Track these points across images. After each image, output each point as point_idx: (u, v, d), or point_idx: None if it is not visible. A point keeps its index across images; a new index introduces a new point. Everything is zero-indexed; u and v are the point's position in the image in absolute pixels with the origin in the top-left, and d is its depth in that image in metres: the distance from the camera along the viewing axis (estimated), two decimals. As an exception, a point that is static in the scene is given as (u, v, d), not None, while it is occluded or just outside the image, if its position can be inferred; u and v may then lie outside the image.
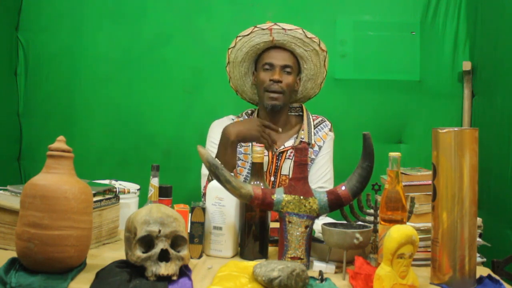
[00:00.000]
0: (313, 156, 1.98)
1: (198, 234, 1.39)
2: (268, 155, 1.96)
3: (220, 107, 2.42)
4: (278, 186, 1.95)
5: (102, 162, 2.68)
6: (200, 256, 1.39)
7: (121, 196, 1.64)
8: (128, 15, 2.71)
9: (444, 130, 1.21)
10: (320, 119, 2.06)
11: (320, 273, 1.22)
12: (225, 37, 1.98)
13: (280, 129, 1.88)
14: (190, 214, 1.41)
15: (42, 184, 1.16)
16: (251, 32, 1.90)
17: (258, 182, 1.41)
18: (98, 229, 1.49)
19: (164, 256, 1.17)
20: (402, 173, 1.39)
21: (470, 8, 2.57)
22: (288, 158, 1.96)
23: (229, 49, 1.97)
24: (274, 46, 1.93)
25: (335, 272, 1.31)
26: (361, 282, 1.19)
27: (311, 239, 1.35)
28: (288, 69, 1.92)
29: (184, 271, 1.20)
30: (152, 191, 1.48)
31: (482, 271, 1.32)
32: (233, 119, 2.03)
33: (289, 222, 1.31)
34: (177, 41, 2.69)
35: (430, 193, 1.26)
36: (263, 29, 1.88)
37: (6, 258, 1.20)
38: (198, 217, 1.40)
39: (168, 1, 2.71)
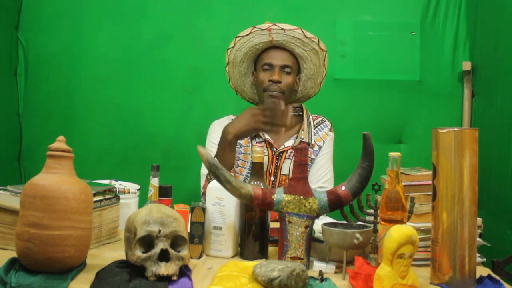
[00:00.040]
0: (313, 156, 1.98)
1: (198, 234, 1.39)
2: (268, 155, 1.96)
3: (220, 107, 2.43)
4: (278, 186, 1.95)
5: (102, 162, 2.68)
6: (200, 256, 1.39)
7: (121, 196, 1.64)
8: (128, 15, 2.71)
9: (444, 130, 1.21)
10: (320, 119, 2.06)
11: (320, 273, 1.22)
12: (225, 37, 1.98)
13: (282, 102, 1.82)
14: (190, 214, 1.41)
15: (42, 184, 1.16)
16: (250, 33, 1.90)
17: (258, 182, 1.41)
18: (98, 229, 1.49)
19: (164, 256, 1.17)
20: (402, 173, 1.39)
21: (470, 8, 2.57)
22: (288, 158, 1.96)
23: (228, 49, 1.97)
24: (273, 46, 1.93)
25: (335, 272, 1.31)
26: (361, 282, 1.19)
27: (311, 239, 1.35)
28: (287, 69, 1.92)
29: (184, 271, 1.20)
30: (152, 191, 1.48)
31: (482, 271, 1.32)
32: (233, 119, 2.03)
33: (289, 222, 1.31)
34: (177, 41, 2.69)
35: (430, 193, 1.26)
36: (262, 29, 1.88)
37: (6, 258, 1.20)
38: (198, 217, 1.40)
39: (168, 1, 2.71)
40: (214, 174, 1.31)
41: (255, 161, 1.43)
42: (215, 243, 1.41)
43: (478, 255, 1.35)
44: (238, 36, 1.93)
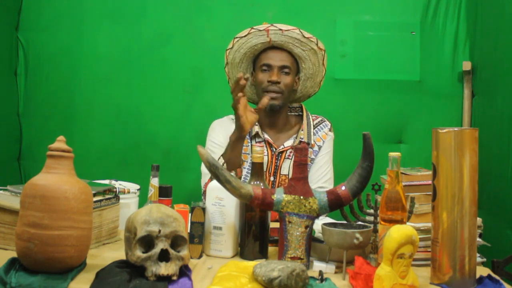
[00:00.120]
0: (312, 156, 1.98)
1: (198, 234, 1.39)
2: (268, 155, 1.96)
3: (220, 107, 2.41)
4: (278, 186, 1.95)
5: (102, 162, 2.68)
6: (200, 256, 1.39)
7: (121, 196, 1.64)
8: (128, 15, 2.71)
9: (444, 130, 1.21)
10: (319, 119, 2.06)
11: (320, 273, 1.22)
12: (225, 37, 1.98)
13: (246, 74, 1.72)
14: (190, 214, 1.41)
15: (42, 184, 1.16)
16: (248, 34, 1.90)
17: (258, 182, 1.41)
18: (98, 229, 1.49)
19: (164, 256, 1.17)
20: (402, 173, 1.39)
21: (470, 8, 2.57)
22: (288, 158, 1.96)
23: (226, 50, 1.97)
24: (271, 47, 1.93)
25: (335, 272, 1.31)
26: (361, 282, 1.19)
27: (311, 239, 1.35)
28: (286, 70, 1.92)
29: (184, 271, 1.20)
30: (152, 191, 1.48)
31: (482, 271, 1.32)
32: (233, 119, 2.03)
33: (289, 222, 1.31)
34: (177, 41, 2.70)
35: (430, 193, 1.26)
36: (260, 30, 1.88)
37: (6, 258, 1.20)
38: (198, 217, 1.40)
39: (168, 1, 2.71)
40: (214, 174, 1.31)
41: (255, 161, 1.43)
42: (215, 243, 1.41)
43: (478, 255, 1.35)
44: (236, 37, 1.93)
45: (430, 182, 1.27)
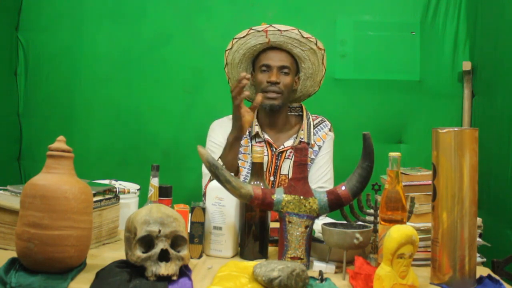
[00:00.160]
0: (312, 156, 1.98)
1: (198, 234, 1.39)
2: (268, 155, 1.96)
3: (220, 107, 2.42)
4: (278, 186, 1.95)
5: (102, 162, 2.68)
6: (200, 256, 1.39)
7: (121, 196, 1.64)
8: (128, 15, 2.71)
9: (444, 130, 1.21)
10: (319, 119, 2.06)
11: (320, 273, 1.22)
12: (225, 37, 1.98)
13: (247, 75, 1.70)
14: (190, 214, 1.41)
15: (42, 184, 1.16)
16: (246, 34, 1.90)
17: (258, 182, 1.41)
18: (98, 229, 1.49)
19: (164, 256, 1.17)
20: (402, 173, 1.39)
21: (470, 8, 2.57)
22: (288, 158, 1.96)
23: (226, 50, 1.97)
24: (271, 47, 1.93)
25: (335, 272, 1.31)
26: (361, 282, 1.19)
27: (311, 239, 1.35)
28: (285, 70, 1.92)
29: (184, 271, 1.20)
30: (152, 191, 1.48)
31: (482, 271, 1.32)
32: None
33: (289, 222, 1.31)
34: (177, 41, 2.69)
35: (430, 193, 1.26)
36: (259, 31, 1.88)
37: (6, 258, 1.20)
38: (198, 217, 1.40)
39: (168, 1, 2.71)
40: (214, 174, 1.31)
41: (255, 161, 1.43)
42: (215, 243, 1.41)
43: (478, 255, 1.35)
44: (235, 38, 1.93)
45: (430, 182, 1.27)
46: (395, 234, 1.13)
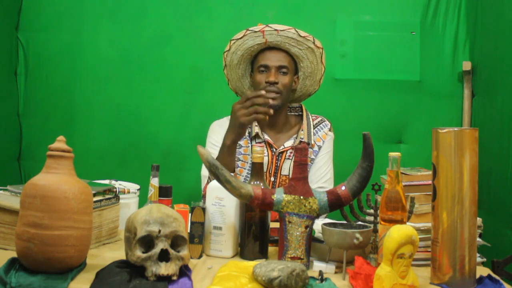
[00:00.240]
0: (312, 156, 1.98)
1: (198, 234, 1.39)
2: (268, 156, 1.96)
3: (220, 108, 2.41)
4: (278, 186, 1.95)
5: (102, 162, 2.68)
6: (200, 256, 1.39)
7: (121, 196, 1.64)
8: (128, 15, 2.72)
9: (444, 130, 1.21)
10: (319, 119, 2.06)
11: (320, 273, 1.22)
12: (225, 37, 1.98)
13: (263, 92, 1.76)
14: (190, 214, 1.41)
15: (42, 184, 1.16)
16: (244, 35, 1.90)
17: (258, 182, 1.41)
18: (98, 229, 1.49)
19: (164, 256, 1.17)
20: (402, 173, 1.39)
21: (470, 8, 2.57)
22: (288, 159, 1.96)
23: (224, 52, 1.97)
24: (268, 47, 1.92)
25: (335, 272, 1.31)
26: (361, 282, 1.19)
27: (311, 239, 1.35)
28: (284, 70, 1.92)
29: (184, 271, 1.20)
30: (152, 191, 1.48)
31: (482, 271, 1.32)
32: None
33: (289, 222, 1.31)
34: (177, 41, 2.70)
35: (430, 193, 1.26)
36: (256, 31, 1.88)
37: (6, 258, 1.20)
38: (198, 217, 1.40)
39: (168, 1, 2.71)
40: (214, 174, 1.31)
41: (255, 161, 1.43)
42: (215, 243, 1.41)
43: (478, 255, 1.35)
44: (233, 39, 1.93)
45: (430, 182, 1.27)
46: (395, 234, 1.13)
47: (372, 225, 1.37)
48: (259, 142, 1.97)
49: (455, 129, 1.21)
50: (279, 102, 1.91)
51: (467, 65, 2.52)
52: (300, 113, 2.06)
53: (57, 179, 1.18)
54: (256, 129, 1.97)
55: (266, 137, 1.98)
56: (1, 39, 2.61)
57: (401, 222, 1.25)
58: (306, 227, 1.31)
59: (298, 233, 1.31)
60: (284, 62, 1.92)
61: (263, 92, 1.75)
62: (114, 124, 2.71)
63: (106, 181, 1.74)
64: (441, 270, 1.21)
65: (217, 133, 2.00)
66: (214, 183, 1.39)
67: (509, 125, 2.05)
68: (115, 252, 1.41)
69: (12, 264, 1.19)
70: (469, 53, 2.58)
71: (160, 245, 1.16)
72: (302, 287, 1.14)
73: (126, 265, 1.21)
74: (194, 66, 2.69)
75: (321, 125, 2.04)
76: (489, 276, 1.25)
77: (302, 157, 1.35)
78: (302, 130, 1.99)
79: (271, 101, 1.79)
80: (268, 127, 2.00)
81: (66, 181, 1.18)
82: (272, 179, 1.96)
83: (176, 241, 1.19)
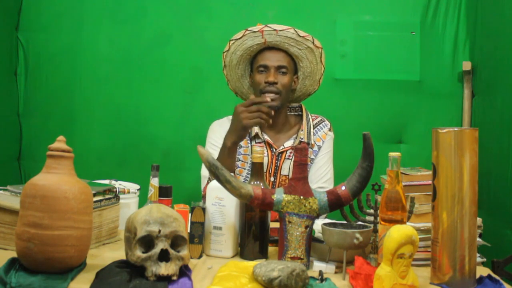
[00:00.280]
0: (312, 156, 1.98)
1: (198, 234, 1.39)
2: (268, 156, 1.96)
3: (220, 108, 2.41)
4: (278, 187, 1.95)
5: (102, 162, 2.68)
6: (200, 256, 1.39)
7: (121, 196, 1.64)
8: (128, 15, 2.71)
9: (444, 130, 1.21)
10: (319, 119, 2.05)
11: (320, 273, 1.22)
12: (225, 37, 1.98)
13: (269, 99, 1.82)
14: (190, 214, 1.41)
15: (42, 184, 1.16)
16: (243, 35, 1.90)
17: (258, 182, 1.41)
18: (98, 229, 1.49)
19: (164, 256, 1.17)
20: (402, 173, 1.39)
21: (470, 8, 2.57)
22: (288, 159, 1.96)
23: (223, 52, 1.97)
24: (268, 47, 1.92)
25: (335, 272, 1.31)
26: (361, 282, 1.19)
27: (311, 239, 1.35)
28: (283, 70, 1.91)
29: (184, 271, 1.20)
30: (152, 191, 1.48)
31: (482, 271, 1.32)
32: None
33: (289, 222, 1.31)
34: (177, 41, 2.69)
35: (430, 193, 1.26)
36: (255, 31, 1.88)
37: (6, 258, 1.20)
38: (198, 217, 1.40)
39: (168, 1, 2.71)
40: (214, 174, 1.31)
41: (255, 161, 1.43)
42: (215, 243, 1.41)
43: (478, 255, 1.35)
44: (232, 39, 1.93)
45: (430, 182, 1.27)
46: (395, 234, 1.13)
47: (372, 225, 1.37)
48: (259, 142, 1.97)
49: (455, 129, 1.21)
50: (279, 103, 1.91)
51: (467, 65, 2.52)
52: (300, 113, 2.06)
53: (57, 179, 1.18)
54: (255, 129, 1.97)
55: (266, 137, 1.98)
56: (1, 39, 2.61)
57: (401, 222, 1.25)
58: (306, 227, 1.31)
59: (298, 233, 1.31)
60: (284, 62, 1.92)
61: (268, 99, 1.80)
62: (114, 124, 2.71)
63: (106, 181, 1.74)
64: (441, 270, 1.21)
65: (217, 133, 2.00)
66: (214, 183, 1.39)
67: (509, 125, 2.05)
68: (115, 252, 1.41)
69: (12, 264, 1.19)
70: (469, 53, 2.58)
71: (160, 245, 1.16)
72: (302, 287, 1.14)
73: (126, 265, 1.21)
74: (194, 66, 2.69)
75: (320, 125, 2.03)
76: (489, 276, 1.25)
77: (302, 157, 1.35)
78: (302, 130, 1.99)
79: (268, 99, 1.82)
80: (267, 127, 2.00)
81: (66, 181, 1.18)
82: (272, 179, 1.96)
83: (176, 241, 1.19)
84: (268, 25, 1.87)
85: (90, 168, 2.53)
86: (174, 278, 1.16)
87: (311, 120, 2.03)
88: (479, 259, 1.39)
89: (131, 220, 1.22)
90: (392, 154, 1.27)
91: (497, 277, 1.27)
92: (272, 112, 1.79)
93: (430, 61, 2.62)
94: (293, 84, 1.98)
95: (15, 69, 2.72)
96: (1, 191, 1.44)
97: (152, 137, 2.69)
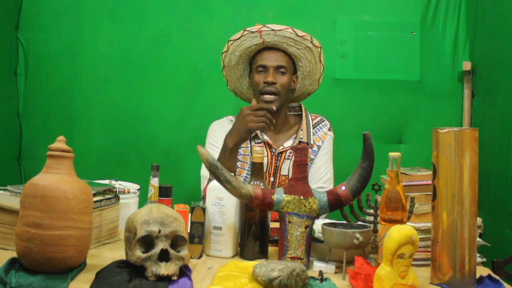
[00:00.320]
0: (312, 156, 1.98)
1: (198, 234, 1.39)
2: (267, 156, 1.95)
3: (220, 108, 2.42)
4: (278, 187, 1.95)
5: (102, 162, 2.68)
6: (200, 256, 1.39)
7: (121, 196, 1.64)
8: (128, 15, 2.71)
9: (444, 130, 1.21)
10: (319, 118, 2.05)
11: (320, 273, 1.22)
12: (225, 37, 1.98)
13: (274, 107, 1.86)
14: (190, 214, 1.42)
15: (42, 184, 1.16)
16: (241, 36, 1.90)
17: (258, 182, 1.41)
18: (98, 229, 1.49)
19: (164, 256, 1.17)
20: (402, 173, 1.39)
21: (470, 8, 2.57)
22: (287, 159, 1.96)
23: (222, 53, 1.97)
24: (266, 47, 1.92)
25: (335, 272, 1.31)
26: (361, 282, 1.19)
27: (311, 239, 1.35)
28: (282, 70, 1.91)
29: (184, 271, 1.20)
30: (152, 191, 1.48)
31: (482, 271, 1.32)
32: (232, 120, 2.03)
33: (289, 222, 1.31)
34: (177, 41, 2.69)
35: (430, 193, 1.26)
36: (253, 31, 1.88)
37: (6, 258, 1.20)
38: (198, 217, 1.40)
39: (168, 1, 2.71)
40: (214, 174, 1.31)
41: (255, 161, 1.43)
42: (215, 243, 1.41)
43: (478, 255, 1.35)
44: (230, 40, 1.93)
45: (430, 182, 1.27)
46: (395, 234, 1.13)
47: (372, 225, 1.37)
48: (259, 143, 1.97)
49: (455, 129, 1.21)
50: (277, 104, 1.91)
51: (467, 65, 2.52)
52: (300, 112, 2.06)
53: (57, 179, 1.18)
54: (256, 129, 1.96)
55: (265, 137, 1.98)
56: (1, 39, 2.60)
57: (401, 222, 1.25)
58: (306, 227, 1.31)
59: (298, 233, 1.31)
60: (282, 62, 1.92)
61: (274, 107, 1.85)
62: (114, 124, 2.71)
63: (106, 181, 1.74)
64: (441, 270, 1.21)
65: (216, 133, 2.00)
66: (214, 183, 1.39)
67: (509, 125, 2.05)
68: (115, 252, 1.41)
69: (12, 264, 1.19)
70: (469, 53, 2.58)
71: (160, 245, 1.16)
72: (302, 287, 1.14)
73: (126, 265, 1.21)
74: (194, 66, 2.69)
75: (320, 124, 2.03)
76: (489, 276, 1.25)
77: (302, 157, 1.35)
78: (301, 130, 1.99)
79: (274, 108, 1.87)
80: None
81: (66, 181, 1.18)
82: (272, 179, 1.96)
83: (176, 241, 1.19)
84: (266, 25, 1.87)
85: (90, 168, 2.53)
86: (174, 278, 1.16)
87: (310, 120, 2.02)
88: (479, 259, 1.39)
89: (131, 220, 1.22)
90: (392, 154, 1.27)
91: (497, 277, 1.27)
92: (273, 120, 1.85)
93: (430, 61, 2.62)
94: (292, 84, 1.98)
95: (15, 69, 2.72)
96: (1, 191, 1.44)
97: (152, 137, 2.69)
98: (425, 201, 1.40)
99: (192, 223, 1.40)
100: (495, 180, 2.16)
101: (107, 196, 1.54)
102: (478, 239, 1.40)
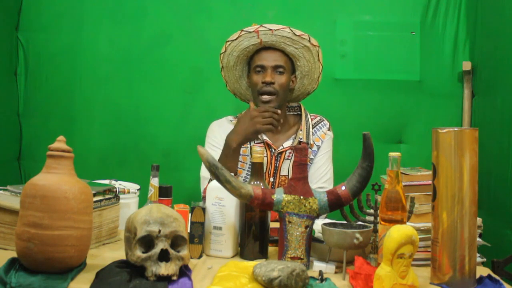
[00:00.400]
0: (311, 156, 1.98)
1: (198, 234, 1.39)
2: (267, 156, 1.95)
3: (220, 108, 2.42)
4: (278, 187, 1.95)
5: (102, 162, 2.68)
6: (200, 256, 1.39)
7: (121, 196, 1.64)
8: (128, 15, 2.71)
9: (444, 130, 1.21)
10: (318, 118, 2.05)
11: (320, 273, 1.22)
12: (225, 37, 1.98)
13: (279, 111, 1.88)
14: (190, 214, 1.42)
15: (42, 184, 1.16)
16: (238, 36, 1.90)
17: (258, 182, 1.41)
18: (98, 229, 1.49)
19: (164, 256, 1.17)
20: (402, 173, 1.39)
21: (470, 8, 2.57)
22: (287, 159, 1.96)
23: (220, 54, 1.97)
24: (264, 47, 1.92)
25: (335, 272, 1.31)
26: (361, 282, 1.19)
27: (311, 239, 1.35)
28: (280, 69, 1.91)
29: (184, 271, 1.20)
30: (152, 191, 1.48)
31: (482, 271, 1.32)
32: (231, 120, 2.03)
33: (289, 222, 1.31)
34: (177, 41, 2.69)
35: (430, 193, 1.26)
36: (250, 32, 1.88)
37: (6, 258, 1.20)
38: (198, 217, 1.40)
39: (168, 1, 2.71)
40: (214, 174, 1.31)
41: (255, 161, 1.43)
42: (215, 243, 1.41)
43: (478, 255, 1.35)
44: (228, 40, 1.93)
45: (430, 182, 1.27)
46: (395, 234, 1.13)
47: (372, 225, 1.37)
48: (258, 143, 1.97)
49: (455, 129, 1.21)
50: (276, 104, 1.91)
51: (467, 65, 2.52)
52: (299, 112, 2.06)
53: (57, 179, 1.18)
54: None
55: (265, 137, 1.97)
56: (1, 39, 2.61)
57: (401, 222, 1.25)
58: (306, 227, 1.31)
59: (298, 233, 1.31)
60: (280, 62, 1.92)
61: (279, 112, 1.87)
62: (114, 124, 2.71)
63: (106, 181, 1.74)
64: (441, 270, 1.21)
65: (216, 133, 2.00)
66: (214, 183, 1.39)
67: (509, 125, 2.05)
68: (115, 252, 1.41)
69: (12, 264, 1.19)
70: (469, 53, 2.58)
71: (160, 245, 1.16)
72: (302, 287, 1.14)
73: (126, 265, 1.21)
74: (194, 66, 2.69)
75: (320, 124, 2.03)
76: (489, 276, 1.25)
77: (302, 157, 1.35)
78: (301, 130, 1.99)
79: (279, 112, 1.88)
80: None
81: (66, 181, 1.18)
82: (272, 179, 1.96)
83: (176, 241, 1.19)
84: (264, 25, 1.87)
85: (90, 168, 2.53)
86: (174, 278, 1.16)
87: (310, 120, 2.02)
88: (479, 259, 1.39)
89: (131, 220, 1.22)
90: (392, 154, 1.27)
91: (497, 277, 1.27)
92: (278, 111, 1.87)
93: (430, 61, 2.62)
94: (291, 83, 1.98)
95: (15, 69, 2.72)
96: (1, 191, 1.44)
97: (152, 137, 2.69)
98: (425, 201, 1.40)
99: (192, 223, 1.40)
100: (495, 180, 2.16)
101: (107, 196, 1.54)
102: (478, 239, 1.40)
